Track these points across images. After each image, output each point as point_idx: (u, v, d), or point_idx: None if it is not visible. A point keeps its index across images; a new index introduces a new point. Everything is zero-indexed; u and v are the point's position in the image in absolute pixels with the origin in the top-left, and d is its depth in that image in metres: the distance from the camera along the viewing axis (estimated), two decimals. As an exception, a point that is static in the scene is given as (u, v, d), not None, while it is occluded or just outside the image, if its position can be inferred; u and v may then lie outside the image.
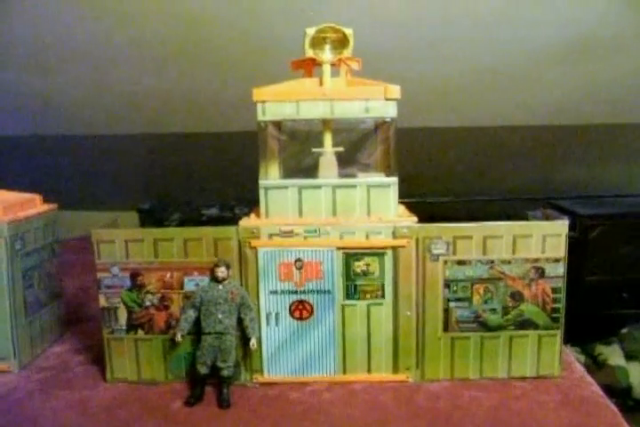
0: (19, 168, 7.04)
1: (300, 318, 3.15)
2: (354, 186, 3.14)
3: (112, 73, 5.89)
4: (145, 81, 5.97)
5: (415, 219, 3.13)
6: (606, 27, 5.34)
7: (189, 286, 3.14)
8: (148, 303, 3.18)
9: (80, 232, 5.65)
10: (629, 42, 5.51)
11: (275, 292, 3.13)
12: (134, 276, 3.15)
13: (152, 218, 7.13)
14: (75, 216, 6.07)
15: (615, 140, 6.72)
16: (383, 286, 3.11)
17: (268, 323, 3.15)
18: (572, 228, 3.21)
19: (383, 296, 3.12)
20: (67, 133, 6.77)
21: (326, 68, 3.15)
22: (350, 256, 3.09)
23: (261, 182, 3.16)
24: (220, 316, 3.02)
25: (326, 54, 3.15)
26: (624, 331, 5.15)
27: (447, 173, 6.95)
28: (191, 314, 3.07)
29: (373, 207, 3.13)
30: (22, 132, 6.80)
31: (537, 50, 5.59)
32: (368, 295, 3.12)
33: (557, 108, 6.21)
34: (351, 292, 3.12)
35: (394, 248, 3.08)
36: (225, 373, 3.05)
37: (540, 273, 3.12)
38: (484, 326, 3.16)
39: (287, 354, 3.18)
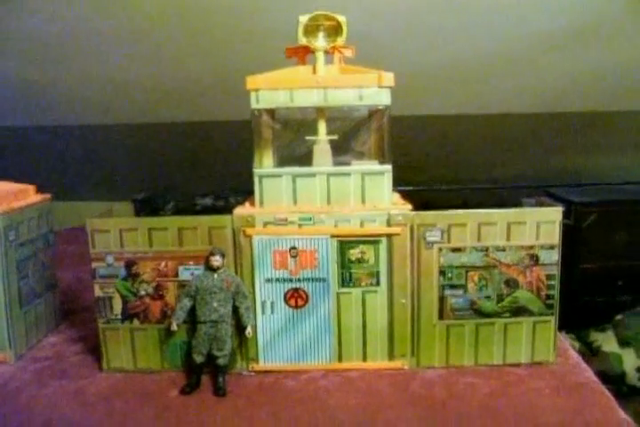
0: (12, 159, 7.02)
1: (296, 306, 3.15)
2: (348, 174, 3.13)
3: (106, 63, 5.88)
4: (139, 70, 5.95)
5: (410, 206, 3.13)
6: (606, 14, 5.34)
7: (184, 275, 3.13)
8: (143, 293, 3.17)
9: (74, 223, 5.65)
10: (628, 30, 5.50)
11: (270, 280, 3.13)
12: (129, 265, 3.15)
13: (147, 208, 7.13)
14: (69, 207, 6.05)
15: (610, 128, 6.72)
16: (378, 273, 3.11)
17: (263, 311, 3.16)
18: (566, 215, 3.22)
19: (378, 284, 3.13)
20: (61, 124, 6.75)
21: (320, 56, 3.15)
22: (345, 244, 3.09)
23: (256, 171, 3.16)
24: (215, 304, 3.02)
25: (320, 42, 3.14)
26: (618, 317, 5.17)
27: (442, 161, 6.95)
28: (186, 303, 3.07)
29: (368, 195, 3.13)
30: (17, 123, 6.78)
31: (534, 37, 5.59)
32: (363, 283, 3.12)
33: (553, 96, 6.21)
34: (346, 279, 3.12)
35: (388, 236, 3.08)
36: (221, 361, 3.05)
37: (535, 260, 3.12)
38: (479, 313, 3.17)
39: (283, 342, 3.18)
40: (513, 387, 3.00)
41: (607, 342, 4.97)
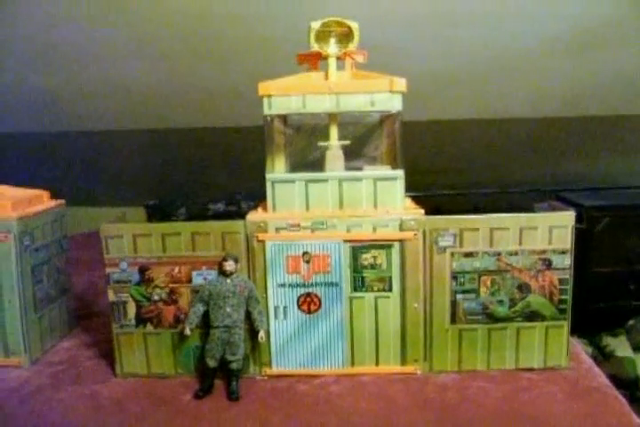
0: (26, 165, 7.07)
1: (308, 311, 3.16)
2: (360, 179, 3.14)
3: (118, 68, 5.91)
4: (150, 76, 5.98)
5: (422, 211, 3.14)
6: (611, 19, 5.33)
7: (198, 280, 3.15)
8: (156, 298, 3.19)
9: (87, 228, 5.68)
10: (635, 34, 5.50)
11: (282, 285, 3.14)
12: (143, 270, 3.17)
13: (159, 213, 7.15)
14: (82, 212, 6.09)
15: (622, 132, 6.71)
16: (390, 278, 3.12)
17: (276, 316, 3.17)
18: (578, 220, 3.21)
19: (391, 289, 3.13)
20: (73, 130, 6.79)
21: (332, 62, 3.16)
22: (357, 249, 3.10)
23: (268, 176, 3.17)
24: (228, 309, 3.03)
25: (332, 48, 3.15)
26: (631, 322, 5.13)
27: (453, 166, 6.94)
28: (200, 308, 3.08)
29: (380, 200, 3.14)
30: (30, 129, 6.83)
31: (542, 42, 5.59)
32: (375, 288, 3.13)
33: (563, 100, 6.20)
34: (359, 284, 3.13)
35: (401, 241, 3.09)
36: (234, 366, 3.06)
37: (547, 264, 3.12)
38: (492, 318, 3.16)
39: (295, 347, 3.19)
40: (525, 392, 3.00)
41: (620, 346, 4.94)
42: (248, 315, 3.10)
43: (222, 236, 3.12)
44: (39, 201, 3.71)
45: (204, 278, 3.14)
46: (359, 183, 3.14)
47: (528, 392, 2.99)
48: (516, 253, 3.11)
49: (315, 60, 3.26)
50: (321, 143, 3.26)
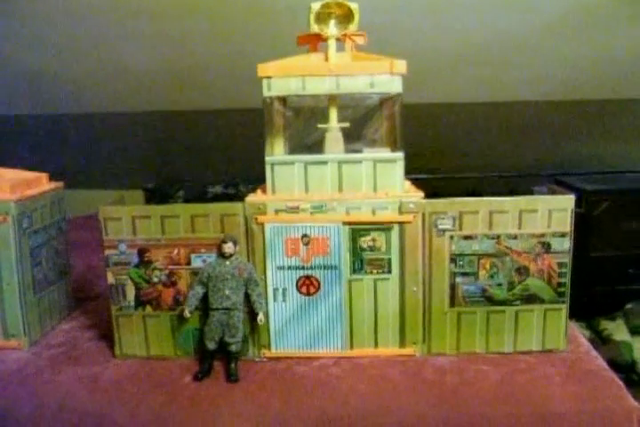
0: (25, 147, 7.05)
1: (307, 294, 3.17)
2: (360, 161, 3.13)
3: (117, 51, 5.88)
4: (149, 58, 5.95)
5: (421, 194, 3.13)
6: (618, 2, 5.31)
7: (197, 262, 3.15)
8: (155, 280, 3.19)
9: (86, 211, 5.67)
10: (636, 18, 5.48)
11: (282, 267, 3.14)
12: (142, 252, 3.17)
13: (157, 196, 7.15)
14: (80, 195, 6.07)
15: (621, 116, 6.69)
16: (390, 260, 3.12)
17: (275, 298, 3.17)
18: (577, 204, 3.20)
19: (390, 271, 3.13)
20: (72, 112, 6.77)
21: (332, 44, 3.14)
22: (357, 231, 3.10)
23: (267, 158, 3.16)
24: (227, 291, 3.03)
25: (331, 29, 3.13)
26: (629, 306, 5.15)
27: (453, 150, 6.93)
28: (199, 290, 3.09)
29: (380, 182, 3.13)
30: (29, 112, 6.81)
31: (543, 25, 5.56)
32: (374, 270, 3.13)
33: (563, 83, 6.18)
34: (358, 267, 3.13)
35: (400, 223, 3.08)
36: (233, 348, 3.07)
37: (546, 248, 3.12)
38: (490, 301, 3.17)
39: (294, 329, 3.20)
40: (523, 374, 3.01)
41: (618, 330, 4.96)
42: (247, 297, 3.10)
43: (221, 218, 3.11)
44: (38, 183, 3.69)
45: (203, 261, 3.13)
46: (359, 166, 3.12)
47: (526, 375, 3.00)
48: (515, 237, 3.11)
49: (315, 42, 3.23)
50: (320, 125, 3.25)
